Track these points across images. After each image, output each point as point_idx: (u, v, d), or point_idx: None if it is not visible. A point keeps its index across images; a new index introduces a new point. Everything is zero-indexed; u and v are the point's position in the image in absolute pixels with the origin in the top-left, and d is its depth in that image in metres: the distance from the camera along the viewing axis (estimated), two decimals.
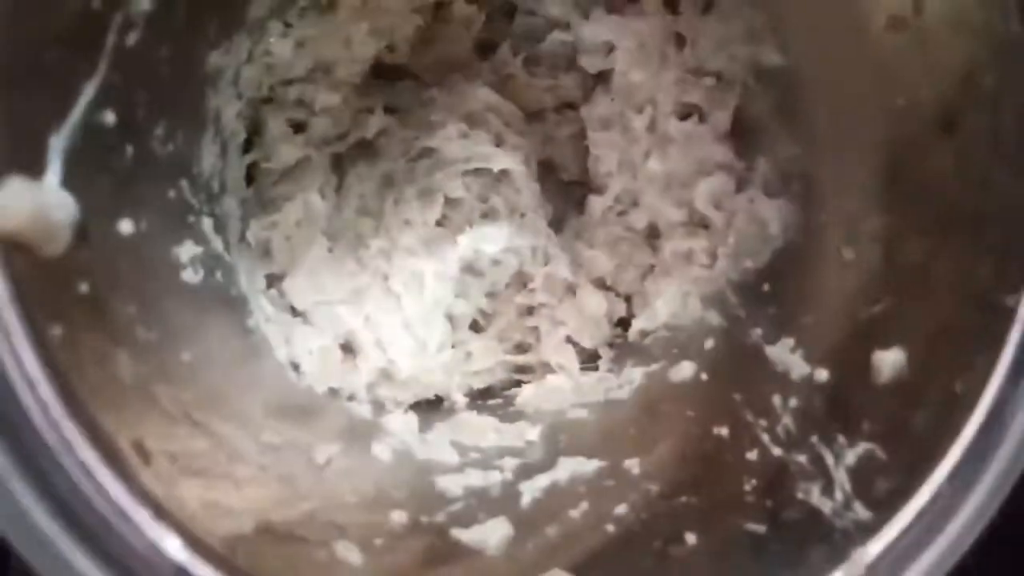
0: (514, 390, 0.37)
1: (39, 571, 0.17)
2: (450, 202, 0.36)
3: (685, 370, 0.33)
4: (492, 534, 0.26)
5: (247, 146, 0.34)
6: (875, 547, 0.21)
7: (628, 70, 0.34)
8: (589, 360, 0.38)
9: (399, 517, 0.25)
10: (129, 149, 0.23)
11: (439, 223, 0.35)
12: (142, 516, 0.17)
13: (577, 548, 0.25)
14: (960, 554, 0.21)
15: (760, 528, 0.24)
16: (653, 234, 0.37)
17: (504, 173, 0.36)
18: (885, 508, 0.22)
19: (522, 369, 0.38)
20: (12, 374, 0.16)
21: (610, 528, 0.26)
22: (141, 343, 0.22)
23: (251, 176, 0.34)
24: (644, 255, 0.37)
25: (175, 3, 0.24)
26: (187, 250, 0.27)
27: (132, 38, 0.22)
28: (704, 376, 0.32)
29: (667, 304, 0.35)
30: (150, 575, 0.17)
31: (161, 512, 0.18)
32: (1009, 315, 0.21)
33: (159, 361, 0.22)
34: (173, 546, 0.18)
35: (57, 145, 0.19)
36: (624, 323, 0.38)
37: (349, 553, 0.22)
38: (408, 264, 0.35)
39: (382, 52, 0.36)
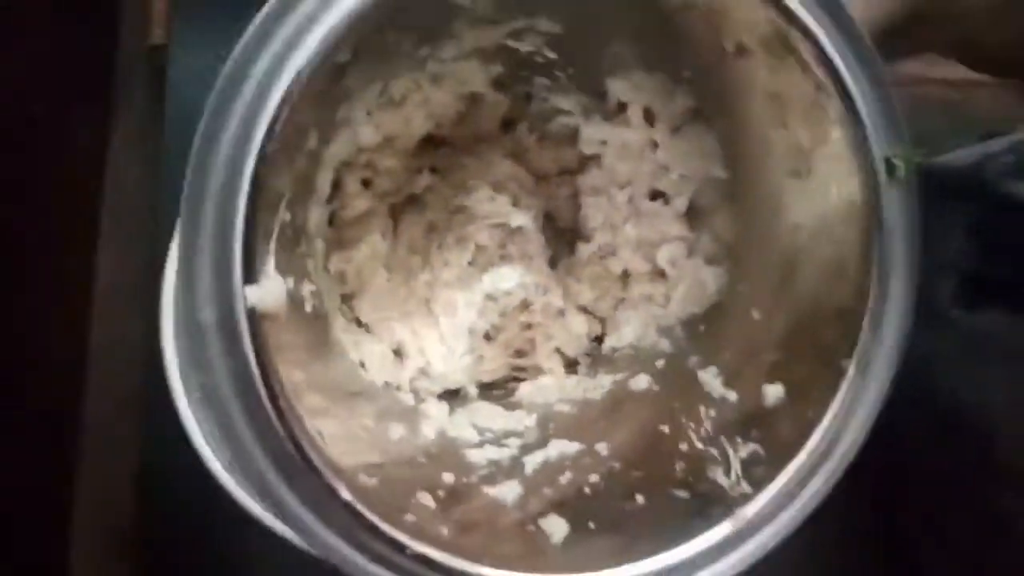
0: (512, 385, 0.48)
1: (267, 508, 0.29)
2: (479, 248, 0.46)
3: (642, 381, 0.43)
4: (509, 493, 0.36)
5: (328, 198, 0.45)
6: (752, 509, 0.33)
7: (615, 161, 0.45)
8: (570, 366, 0.49)
9: (448, 478, 0.36)
10: (289, 231, 0.35)
11: (470, 263, 0.46)
12: (328, 473, 0.29)
13: (565, 503, 0.36)
14: (804, 519, 0.33)
15: (684, 494, 0.35)
16: (625, 276, 0.48)
17: (519, 228, 0.47)
18: (760, 486, 0.33)
19: (519, 369, 0.49)
20: (263, 394, 0.28)
21: (587, 490, 0.37)
22: (304, 362, 0.33)
23: (330, 220, 0.46)
24: (617, 291, 0.48)
25: (310, 132, 0.36)
26: (306, 288, 0.38)
27: (300, 162, 0.34)
28: (656, 387, 0.42)
29: (632, 330, 0.46)
30: (331, 510, 0.29)
31: (336, 472, 0.30)
32: (843, 372, 0.34)
33: (314, 371, 0.34)
34: (344, 491, 0.29)
35: (271, 245, 0.31)
36: (599, 340, 0.49)
37: (426, 500, 0.34)
38: (446, 294, 0.46)
39: (431, 128, 0.47)
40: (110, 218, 0.59)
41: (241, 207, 0.27)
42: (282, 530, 0.42)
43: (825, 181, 0.35)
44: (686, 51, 0.39)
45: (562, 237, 0.51)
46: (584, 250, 0.49)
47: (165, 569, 0.54)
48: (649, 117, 0.44)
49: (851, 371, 0.34)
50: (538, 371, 0.49)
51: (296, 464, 0.29)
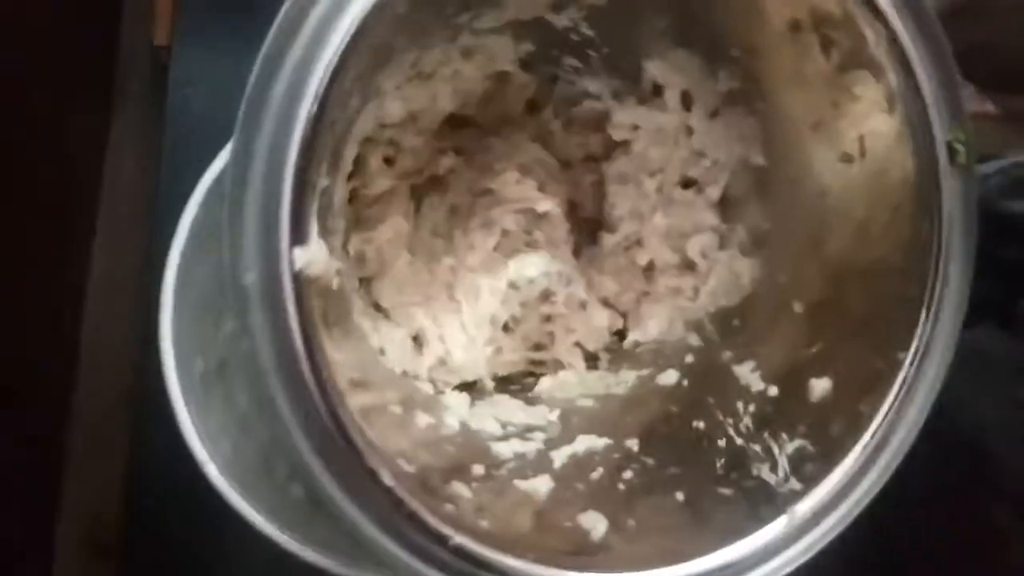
0: (528, 380, 0.46)
1: (308, 489, 0.27)
2: (504, 233, 0.45)
3: (670, 376, 0.41)
4: (541, 486, 0.34)
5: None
6: (806, 506, 0.31)
7: (647, 146, 0.44)
8: (590, 360, 0.47)
9: (479, 469, 0.35)
10: (324, 200, 0.33)
11: (495, 249, 0.45)
12: (370, 455, 0.27)
13: (601, 498, 0.35)
14: (856, 515, 0.32)
15: (728, 491, 0.33)
16: (650, 268, 0.46)
17: (545, 214, 0.45)
18: (811, 482, 0.32)
19: (536, 363, 0.47)
20: (304, 365, 0.26)
21: (621, 487, 0.35)
22: (337, 339, 0.31)
23: (349, 199, 0.44)
24: (641, 284, 0.46)
25: (354, 94, 0.34)
26: (333, 264, 0.37)
27: (340, 127, 0.32)
28: (685, 382, 0.41)
29: (657, 324, 0.45)
30: (371, 495, 0.27)
31: (381, 455, 0.28)
32: (899, 364, 0.32)
33: (346, 351, 0.32)
34: (386, 475, 0.27)
35: (312, 214, 0.29)
36: (619, 334, 0.47)
37: (461, 490, 0.32)
38: (470, 279, 0.44)
39: (457, 106, 0.46)
40: (107, 215, 0.57)
41: (291, 161, 0.25)
42: (276, 535, 0.40)
43: (880, 165, 0.34)
44: (733, 29, 0.38)
45: (584, 227, 0.49)
46: (608, 240, 0.47)
47: (154, 571, 0.52)
48: (686, 101, 0.42)
49: (907, 362, 0.33)
50: (556, 365, 0.47)
51: (337, 444, 0.27)
